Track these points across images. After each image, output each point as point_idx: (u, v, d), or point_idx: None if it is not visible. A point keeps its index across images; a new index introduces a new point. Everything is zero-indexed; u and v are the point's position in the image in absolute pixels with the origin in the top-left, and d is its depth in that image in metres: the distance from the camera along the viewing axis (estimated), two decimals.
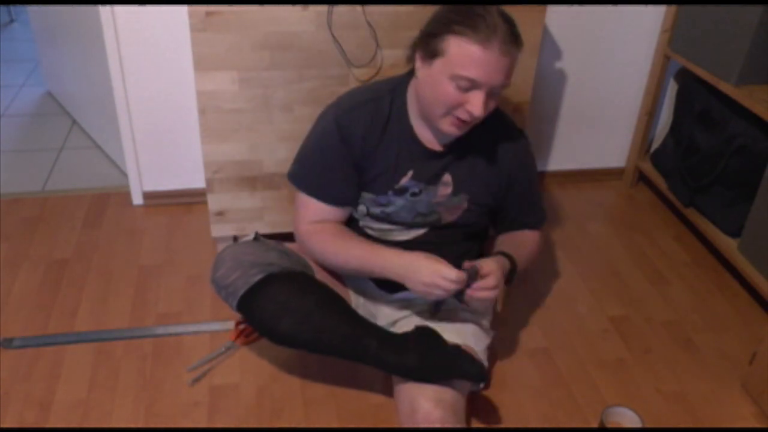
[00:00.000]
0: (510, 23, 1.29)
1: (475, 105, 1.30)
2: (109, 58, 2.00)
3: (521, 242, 1.56)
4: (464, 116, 1.33)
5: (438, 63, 1.30)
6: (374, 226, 1.53)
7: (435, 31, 1.31)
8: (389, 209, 1.50)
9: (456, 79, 1.28)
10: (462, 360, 1.36)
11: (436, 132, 1.43)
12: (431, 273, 1.32)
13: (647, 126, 2.42)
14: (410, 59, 1.42)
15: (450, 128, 1.37)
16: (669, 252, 2.19)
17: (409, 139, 1.45)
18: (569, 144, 2.46)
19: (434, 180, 1.48)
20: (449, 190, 1.49)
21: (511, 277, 1.45)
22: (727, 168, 1.99)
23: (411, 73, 1.44)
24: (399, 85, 1.46)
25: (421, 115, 1.42)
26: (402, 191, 1.48)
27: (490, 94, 1.32)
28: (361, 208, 1.51)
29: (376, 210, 1.50)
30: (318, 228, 1.49)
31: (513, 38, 1.28)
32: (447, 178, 1.48)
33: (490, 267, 1.36)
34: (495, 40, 1.25)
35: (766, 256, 1.85)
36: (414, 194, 1.48)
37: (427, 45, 1.32)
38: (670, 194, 2.26)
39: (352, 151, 1.44)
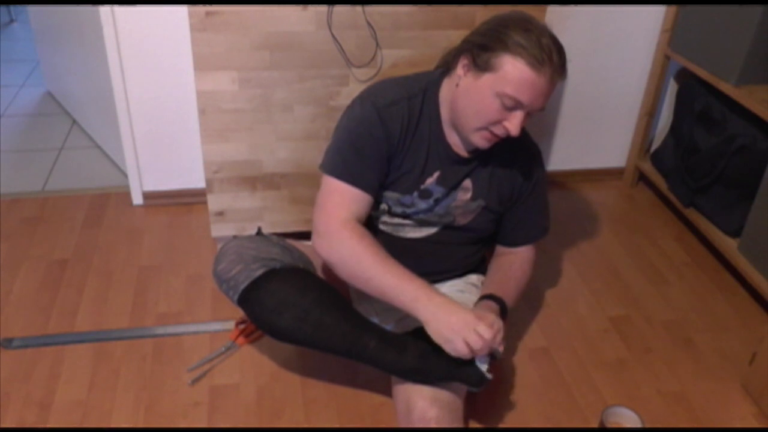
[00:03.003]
0: (562, 52, 1.30)
1: (514, 125, 1.31)
2: (109, 58, 2.00)
3: (511, 276, 1.56)
4: (500, 132, 1.34)
5: (487, 77, 1.30)
6: (388, 221, 1.53)
7: (489, 45, 1.29)
8: (410, 210, 1.50)
9: (502, 97, 1.28)
10: (461, 364, 1.35)
11: (464, 141, 1.43)
12: (464, 323, 1.25)
13: (647, 126, 2.42)
14: (447, 63, 1.41)
15: (481, 141, 1.37)
16: (669, 252, 2.19)
17: (438, 142, 1.45)
18: (569, 144, 2.46)
19: (456, 186, 1.48)
20: (468, 195, 1.50)
21: (503, 317, 1.44)
22: (727, 168, 1.99)
23: (443, 74, 1.44)
24: (431, 85, 1.45)
25: (451, 121, 1.42)
26: (427, 195, 1.48)
27: (527, 115, 1.33)
28: (383, 206, 1.50)
29: (398, 209, 1.50)
30: (356, 227, 1.36)
31: (562, 68, 1.30)
32: (467, 183, 1.49)
33: (485, 317, 1.33)
34: (549, 66, 1.26)
35: (766, 256, 1.85)
36: (437, 200, 1.49)
37: (478, 56, 1.31)
38: (670, 194, 2.26)
39: (390, 140, 1.41)
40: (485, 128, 1.34)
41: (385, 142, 1.41)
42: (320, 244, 1.38)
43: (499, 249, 1.65)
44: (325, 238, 1.37)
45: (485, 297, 1.46)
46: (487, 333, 1.25)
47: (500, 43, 1.28)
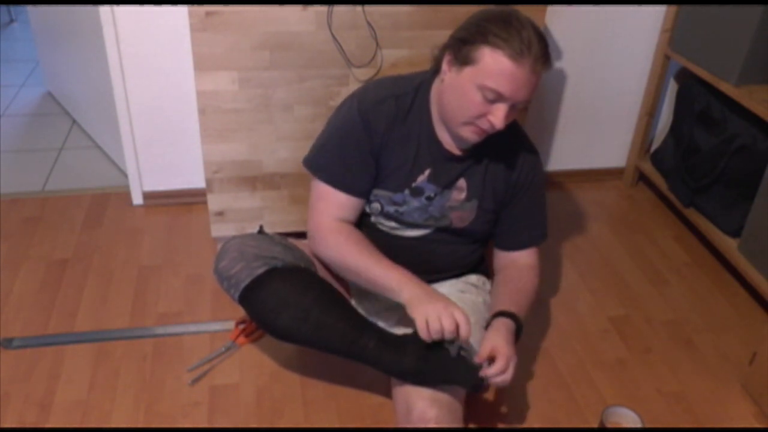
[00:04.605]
0: (543, 43, 1.29)
1: (498, 117, 1.31)
2: (109, 58, 2.00)
3: (520, 287, 1.53)
4: (485, 126, 1.34)
5: (468, 71, 1.30)
6: (386, 223, 1.53)
7: (469, 38, 1.30)
8: (403, 209, 1.50)
9: (483, 89, 1.28)
10: (460, 367, 1.35)
11: (455, 137, 1.43)
12: (446, 307, 1.30)
13: (647, 126, 2.42)
14: (436, 60, 1.41)
15: (470, 136, 1.37)
16: (669, 252, 2.19)
17: (429, 139, 1.45)
18: (569, 144, 2.46)
19: (450, 185, 1.48)
20: (463, 195, 1.50)
21: (518, 335, 1.43)
22: (727, 168, 1.99)
23: (435, 72, 1.43)
24: (423, 83, 1.45)
25: (440, 118, 1.42)
26: (418, 193, 1.48)
27: (513, 108, 1.32)
28: (375, 205, 1.50)
29: (391, 209, 1.50)
30: (341, 227, 1.45)
31: (545, 58, 1.29)
32: (462, 183, 1.49)
33: (501, 348, 1.34)
34: (529, 57, 1.26)
35: (766, 256, 1.85)
36: (429, 198, 1.48)
37: (459, 51, 1.31)
38: (670, 194, 2.26)
39: (373, 140, 1.43)
40: (471, 122, 1.34)
41: (369, 142, 1.43)
42: (312, 245, 1.49)
43: (500, 257, 1.61)
44: (316, 239, 1.47)
45: (498, 314, 1.43)
46: (462, 319, 1.29)
47: (480, 36, 1.28)
